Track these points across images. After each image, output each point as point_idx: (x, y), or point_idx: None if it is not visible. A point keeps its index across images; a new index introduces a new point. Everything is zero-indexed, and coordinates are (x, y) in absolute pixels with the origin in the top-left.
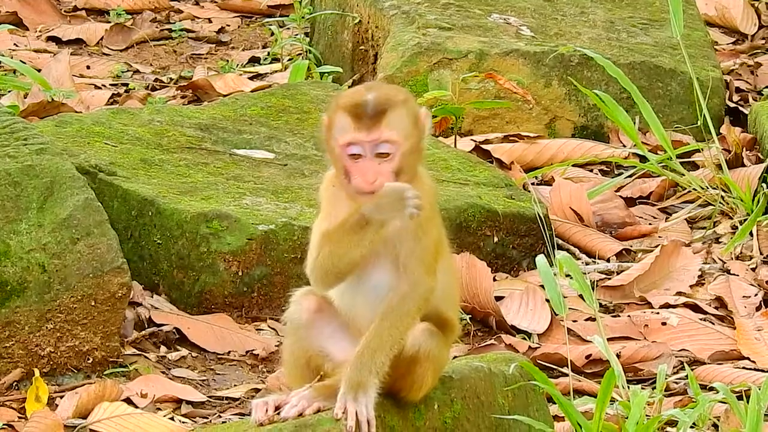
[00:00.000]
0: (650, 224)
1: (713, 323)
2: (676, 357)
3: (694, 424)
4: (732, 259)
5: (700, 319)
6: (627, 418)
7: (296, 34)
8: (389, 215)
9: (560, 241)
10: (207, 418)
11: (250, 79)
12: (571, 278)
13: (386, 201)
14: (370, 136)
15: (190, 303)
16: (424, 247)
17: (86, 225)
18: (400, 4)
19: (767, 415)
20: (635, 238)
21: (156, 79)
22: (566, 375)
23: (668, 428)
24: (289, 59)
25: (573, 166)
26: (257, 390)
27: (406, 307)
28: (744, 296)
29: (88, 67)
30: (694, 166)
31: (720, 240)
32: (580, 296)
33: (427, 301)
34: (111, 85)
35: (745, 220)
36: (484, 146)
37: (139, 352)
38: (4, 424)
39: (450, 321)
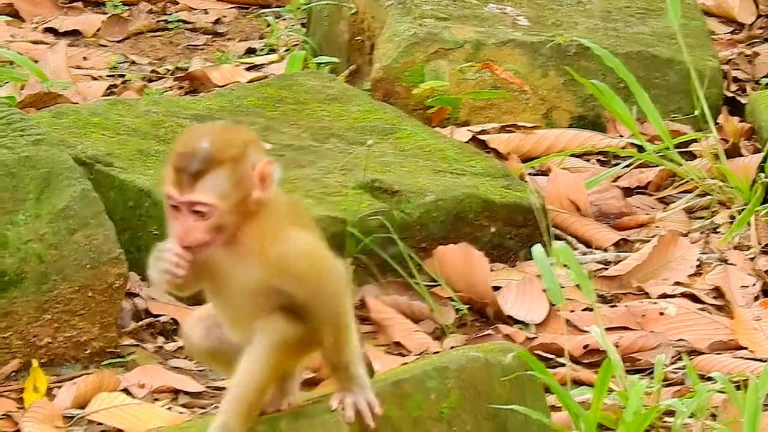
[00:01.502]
0: (648, 214)
1: (711, 313)
2: (674, 347)
3: (692, 414)
4: (730, 249)
5: (698, 309)
6: (625, 408)
7: (293, 25)
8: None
9: (557, 231)
10: (204, 408)
11: (247, 70)
12: (569, 268)
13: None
14: (183, 197)
15: None
16: (308, 291)
17: (83, 216)
18: None
19: (766, 405)
20: (633, 229)
21: (153, 71)
22: (564, 365)
23: (666, 418)
24: (286, 50)
25: (570, 156)
26: None
27: (333, 310)
28: (742, 286)
29: (84, 59)
30: (692, 156)
31: (718, 230)
32: (578, 286)
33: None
34: (108, 76)
35: (743, 209)
36: (480, 136)
37: (137, 343)
38: (2, 415)
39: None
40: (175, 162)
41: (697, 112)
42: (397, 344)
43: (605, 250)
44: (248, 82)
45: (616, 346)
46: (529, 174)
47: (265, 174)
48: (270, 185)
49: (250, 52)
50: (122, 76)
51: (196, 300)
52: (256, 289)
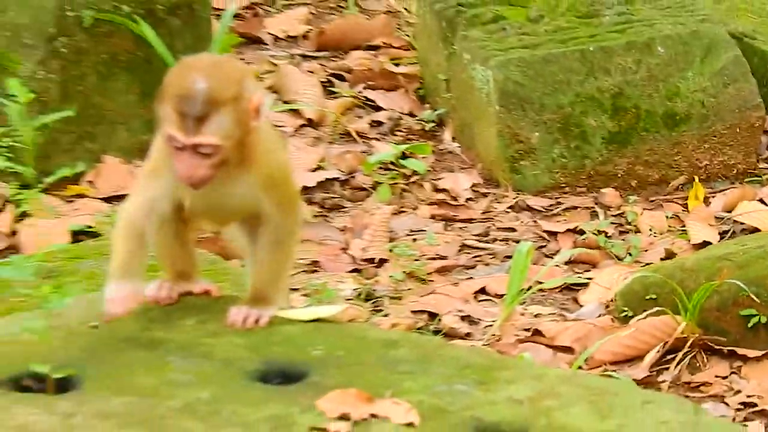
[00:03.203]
0: None
1: None
2: None
3: None
4: None
5: None
6: None
7: None
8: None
9: None
10: None
11: None
12: None
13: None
14: (189, 140)
15: None
16: (275, 194)
17: (734, 75)
18: None
19: None
20: None
21: None
22: None
23: None
24: None
25: None
26: None
27: (285, 237)
28: None
29: None
30: None
31: None
32: None
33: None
34: None
35: None
36: None
37: None
38: (671, 215)
39: None
40: (176, 105)
41: None
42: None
43: None
44: None
45: None
46: None
47: (259, 106)
48: (262, 114)
49: None
50: None
51: None
52: (247, 197)
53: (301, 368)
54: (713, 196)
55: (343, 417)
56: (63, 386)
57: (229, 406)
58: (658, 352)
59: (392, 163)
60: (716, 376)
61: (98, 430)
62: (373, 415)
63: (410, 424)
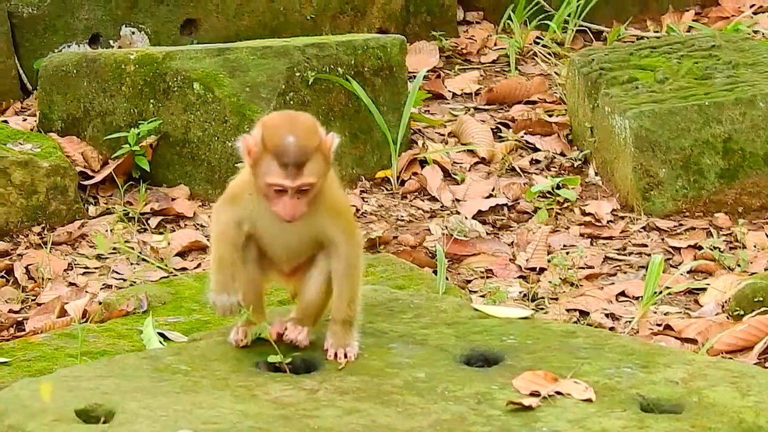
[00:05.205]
0: None
1: None
2: None
3: None
4: None
5: None
6: None
7: None
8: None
9: None
10: None
11: None
12: None
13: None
14: (295, 183)
15: None
16: (340, 221)
17: None
18: None
19: None
20: None
21: None
22: None
23: None
24: None
25: None
26: None
27: (353, 263)
28: None
29: None
30: None
31: None
32: None
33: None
34: None
35: None
36: None
37: None
38: None
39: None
40: (279, 158)
41: None
42: None
43: None
44: None
45: None
46: None
47: (331, 146)
48: (333, 152)
49: None
50: None
51: None
52: (317, 226)
53: (498, 353)
54: None
55: (534, 393)
56: (307, 368)
57: (442, 384)
58: (766, 343)
59: (548, 192)
60: None
61: (338, 402)
62: (558, 392)
63: (588, 400)
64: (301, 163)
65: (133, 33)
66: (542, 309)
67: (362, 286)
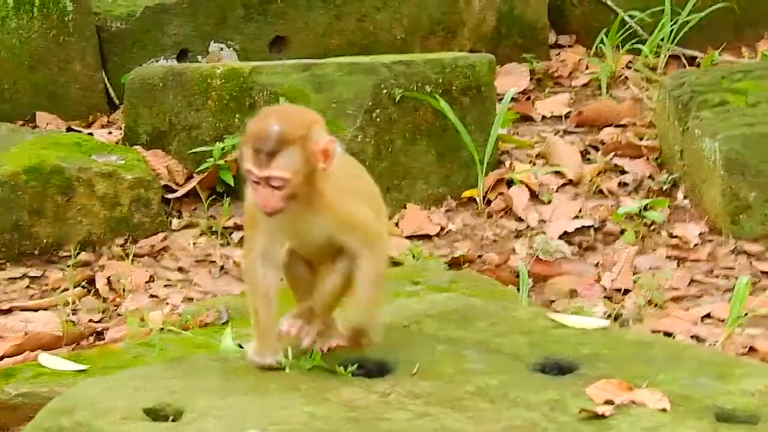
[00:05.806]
0: None
1: None
2: None
3: None
4: None
5: None
6: None
7: None
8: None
9: None
10: None
11: None
12: None
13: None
14: (262, 173)
15: None
16: (357, 233)
17: None
18: None
19: None
20: None
21: None
22: None
23: None
24: None
25: None
26: None
27: (371, 277)
28: None
29: None
30: None
31: None
32: None
33: (386, 249)
34: None
35: None
36: None
37: None
38: None
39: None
40: (253, 143)
41: None
42: None
43: None
44: None
45: None
46: None
47: (328, 150)
48: (332, 159)
49: None
50: None
51: None
52: (326, 237)
53: (573, 362)
54: None
55: (608, 402)
56: (381, 371)
57: (514, 391)
58: None
59: (636, 214)
60: None
61: (409, 407)
62: (632, 401)
63: (663, 410)
64: (272, 152)
65: (222, 49)
66: (626, 329)
67: (382, 305)
